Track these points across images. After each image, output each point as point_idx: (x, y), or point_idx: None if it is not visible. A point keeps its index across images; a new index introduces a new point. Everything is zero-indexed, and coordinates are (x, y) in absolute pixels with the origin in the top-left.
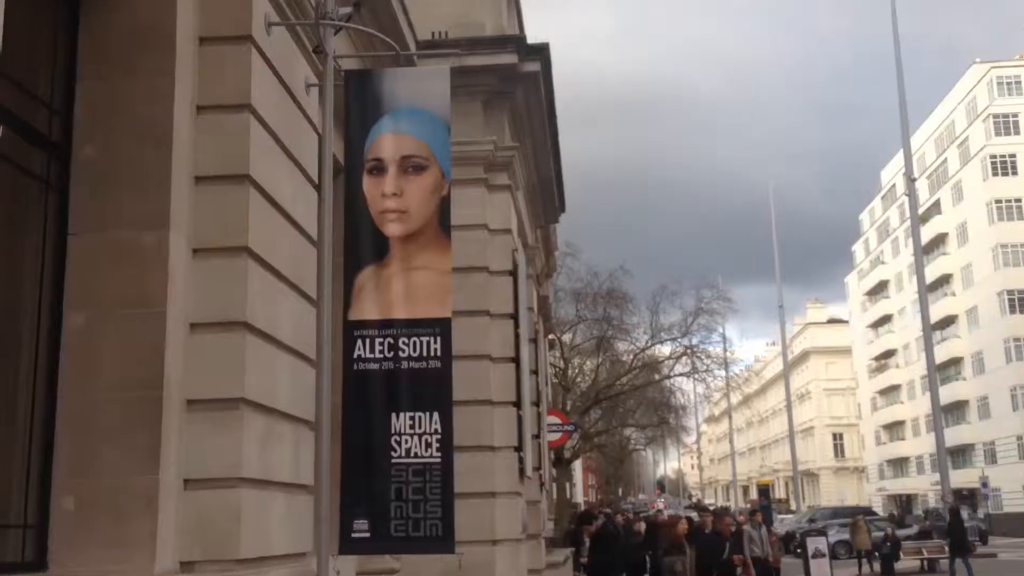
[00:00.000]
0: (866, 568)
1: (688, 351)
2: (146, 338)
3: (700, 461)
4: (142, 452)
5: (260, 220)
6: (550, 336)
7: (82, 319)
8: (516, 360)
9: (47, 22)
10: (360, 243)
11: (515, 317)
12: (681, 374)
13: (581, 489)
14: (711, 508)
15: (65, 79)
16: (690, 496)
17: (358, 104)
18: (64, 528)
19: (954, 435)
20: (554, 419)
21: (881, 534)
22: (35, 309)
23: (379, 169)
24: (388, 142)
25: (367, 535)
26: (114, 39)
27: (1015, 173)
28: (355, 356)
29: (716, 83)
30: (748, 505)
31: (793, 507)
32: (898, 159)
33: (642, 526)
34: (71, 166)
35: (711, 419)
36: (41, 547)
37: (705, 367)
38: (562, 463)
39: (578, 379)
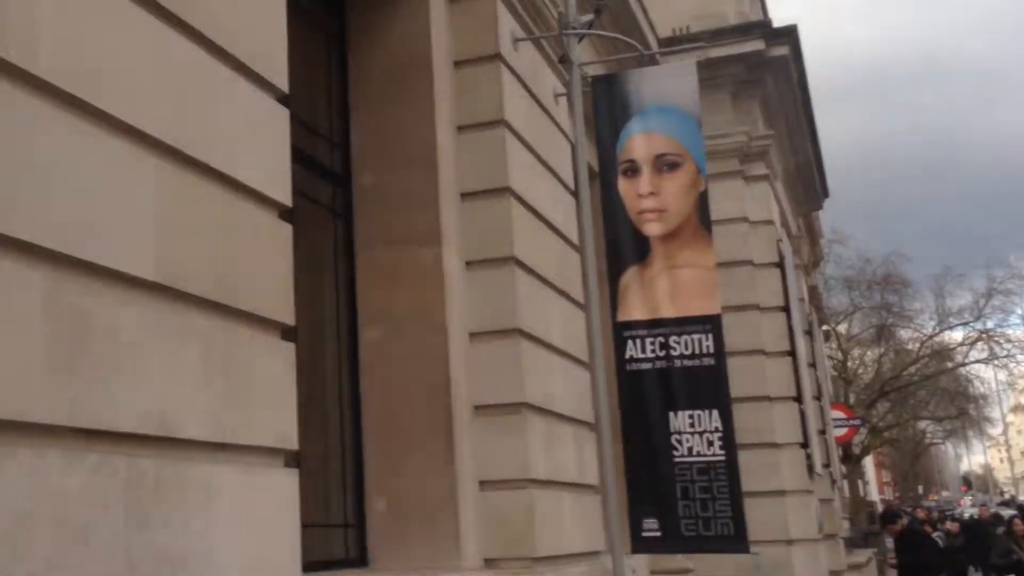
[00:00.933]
0: None
1: (983, 336)
2: (432, 349)
3: (1009, 454)
4: (439, 456)
5: (524, 230)
6: (824, 327)
7: (375, 333)
8: (792, 353)
9: (321, 64)
10: (621, 245)
11: (786, 309)
12: (978, 361)
13: (874, 487)
14: None
15: (341, 114)
16: (1002, 493)
17: (606, 108)
18: (379, 527)
19: None
20: (838, 414)
21: None
22: (335, 326)
23: (633, 170)
24: (640, 143)
25: (658, 534)
26: (379, 73)
27: None
28: (627, 357)
29: (986, 47)
30: None
31: None
32: None
33: (954, 527)
34: (352, 193)
35: (1018, 408)
36: (361, 545)
37: (1005, 352)
38: (850, 460)
39: (859, 371)
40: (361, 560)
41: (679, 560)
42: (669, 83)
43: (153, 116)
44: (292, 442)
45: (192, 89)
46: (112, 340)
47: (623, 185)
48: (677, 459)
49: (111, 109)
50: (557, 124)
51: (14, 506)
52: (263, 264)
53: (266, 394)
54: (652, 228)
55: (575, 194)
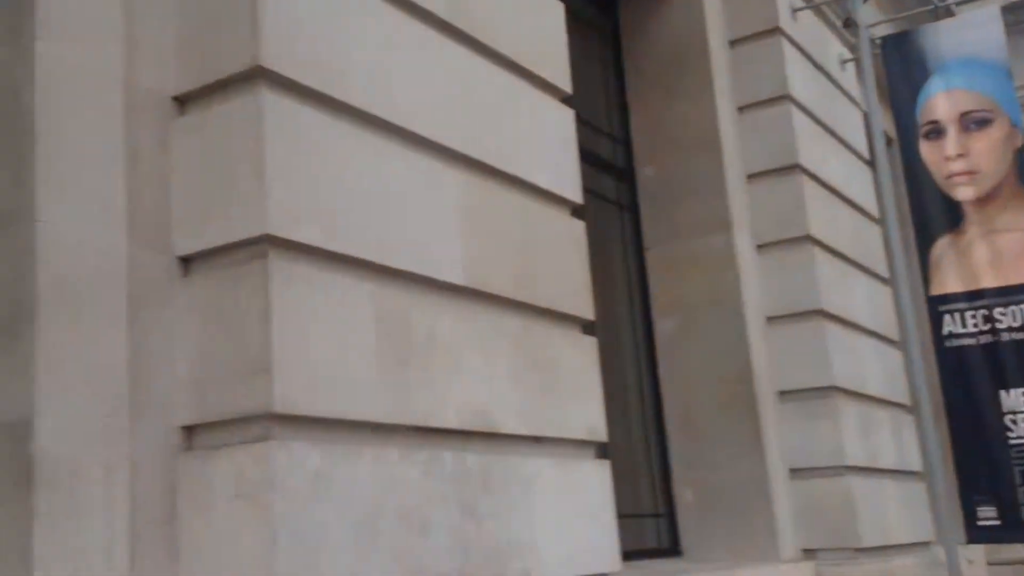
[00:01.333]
0: None
1: None
2: (730, 336)
3: None
4: (745, 444)
5: (817, 206)
6: None
7: (670, 324)
8: None
9: (597, 62)
10: (928, 214)
11: None
12: None
13: None
14: None
15: (620, 109)
16: None
17: (900, 69)
18: (689, 517)
19: None
20: None
21: None
22: (630, 319)
23: (936, 132)
24: (942, 102)
25: (997, 523)
26: (654, 63)
27: None
28: (944, 333)
29: None
30: None
31: None
32: None
33: None
34: (636, 186)
35: None
36: (673, 534)
37: None
38: None
39: None
40: (674, 550)
41: (1019, 551)
42: (970, 34)
43: (453, 130)
44: (601, 434)
45: (485, 100)
46: (432, 343)
47: (926, 149)
48: (1013, 441)
49: (417, 128)
50: (845, 92)
51: (366, 499)
52: (560, 262)
53: (573, 388)
54: (964, 192)
55: (871, 164)
